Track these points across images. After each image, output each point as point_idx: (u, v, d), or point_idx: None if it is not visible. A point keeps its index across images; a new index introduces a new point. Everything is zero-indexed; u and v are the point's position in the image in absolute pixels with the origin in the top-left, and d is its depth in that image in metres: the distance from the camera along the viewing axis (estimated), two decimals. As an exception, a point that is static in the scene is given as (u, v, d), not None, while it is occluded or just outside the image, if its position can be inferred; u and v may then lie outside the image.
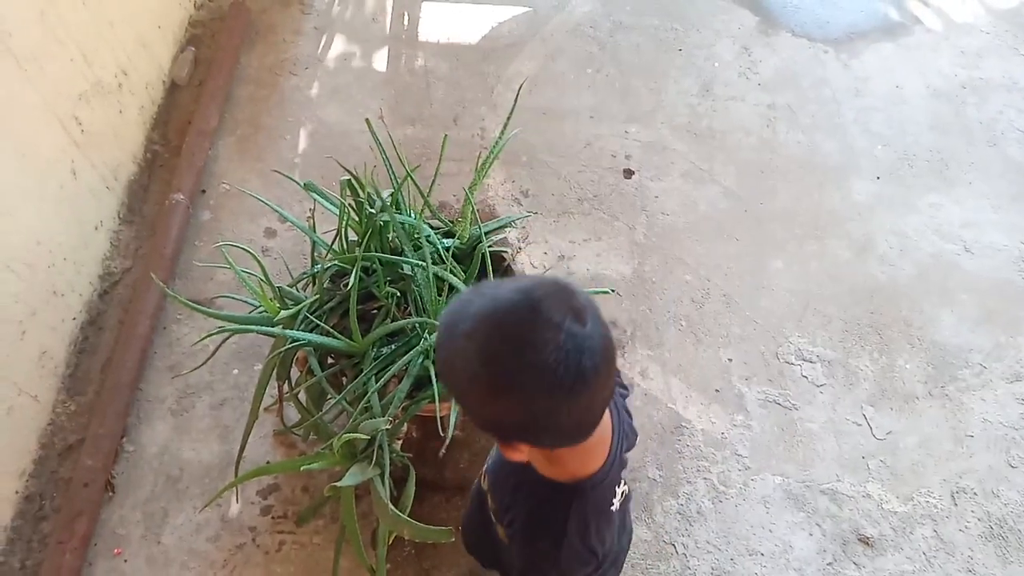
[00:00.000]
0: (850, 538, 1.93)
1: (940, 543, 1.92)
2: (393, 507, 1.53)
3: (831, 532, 1.93)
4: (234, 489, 1.90)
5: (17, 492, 1.88)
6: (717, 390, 2.13)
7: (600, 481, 1.02)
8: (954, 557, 1.91)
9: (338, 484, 1.51)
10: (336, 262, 1.74)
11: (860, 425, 2.09)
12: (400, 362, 1.59)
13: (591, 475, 1.02)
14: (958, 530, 1.94)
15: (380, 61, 2.77)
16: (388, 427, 1.53)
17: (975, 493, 1.99)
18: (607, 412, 1.00)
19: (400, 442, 1.72)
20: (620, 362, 2.16)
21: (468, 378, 0.84)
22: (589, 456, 1.02)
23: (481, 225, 1.79)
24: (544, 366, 0.79)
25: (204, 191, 2.43)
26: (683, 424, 2.07)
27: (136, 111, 2.41)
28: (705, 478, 2.00)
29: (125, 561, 1.86)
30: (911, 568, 1.89)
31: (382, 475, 1.59)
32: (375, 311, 1.75)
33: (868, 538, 1.92)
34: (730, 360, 2.18)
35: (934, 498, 1.98)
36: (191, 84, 2.65)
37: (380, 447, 1.57)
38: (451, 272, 1.68)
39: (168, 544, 1.88)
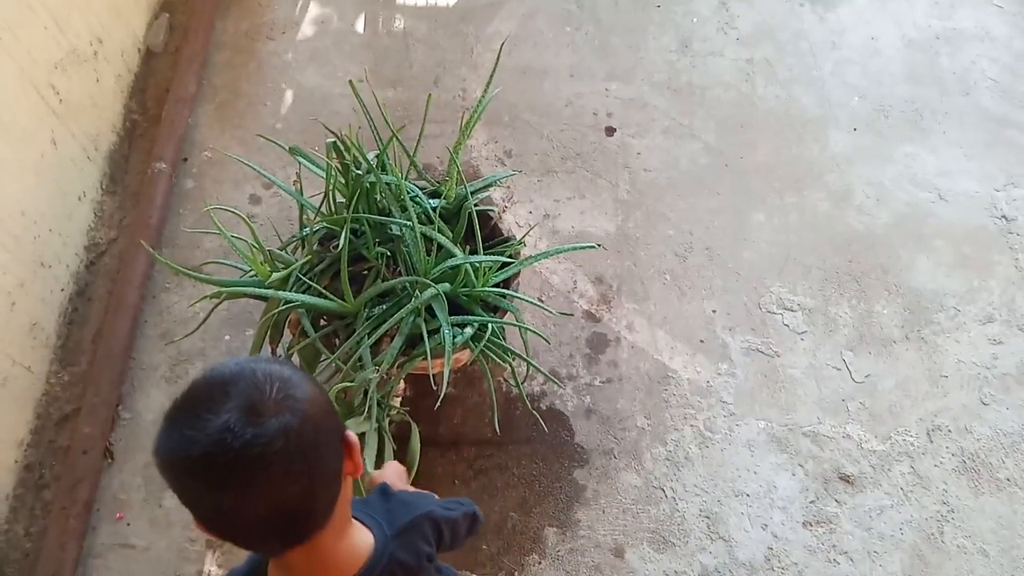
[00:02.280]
0: (831, 477, 2.01)
1: (916, 478, 2.01)
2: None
3: (813, 472, 2.01)
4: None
5: (16, 461, 1.90)
6: (702, 341, 2.19)
7: None
8: (929, 491, 1.99)
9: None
10: (325, 224, 1.75)
11: (840, 369, 2.16)
12: (392, 320, 1.62)
13: None
14: (933, 465, 2.03)
15: (358, 24, 2.74)
16: (374, 376, 1.57)
17: (949, 430, 2.07)
18: (344, 547, 0.90)
19: (398, 400, 1.76)
20: (607, 317, 2.21)
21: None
22: None
23: (467, 185, 1.80)
24: (185, 441, 0.76)
25: (186, 159, 2.42)
26: (669, 374, 2.13)
27: (113, 79, 2.38)
28: (692, 425, 2.06)
29: (128, 525, 1.90)
30: (889, 503, 1.97)
31: (380, 431, 1.63)
32: (365, 272, 1.78)
33: (848, 476, 2.00)
34: (714, 311, 2.23)
35: (911, 436, 2.06)
36: (167, 51, 2.62)
37: (377, 403, 1.60)
38: (438, 231, 1.71)
39: (169, 507, 1.91)
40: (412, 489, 1.22)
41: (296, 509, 0.80)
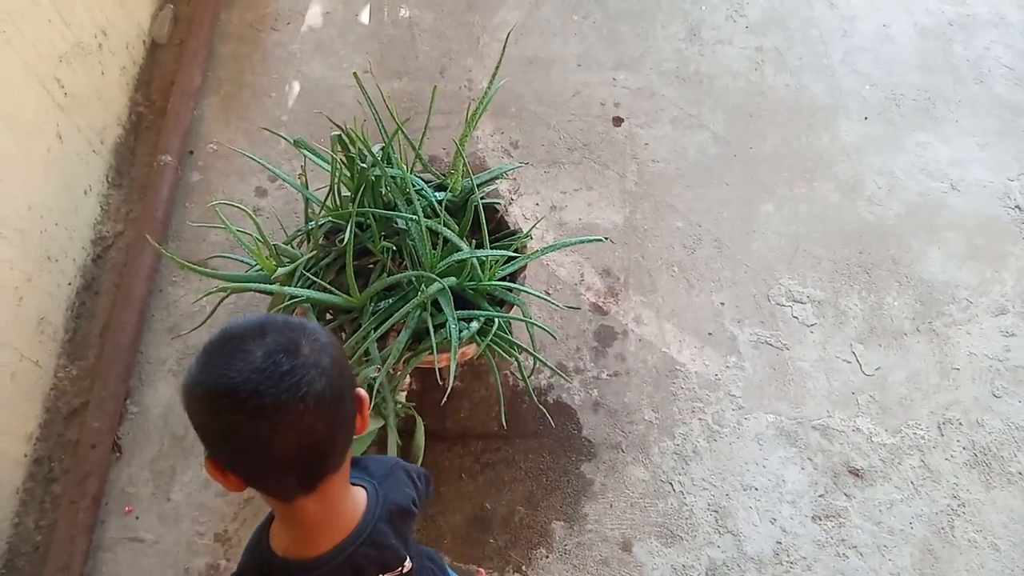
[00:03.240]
0: (841, 470, 1.99)
1: (927, 472, 1.99)
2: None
3: (822, 465, 2.00)
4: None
5: (26, 455, 1.91)
6: (710, 333, 2.17)
7: (310, 570, 0.92)
8: (940, 485, 1.98)
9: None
10: (330, 218, 1.74)
11: (850, 362, 2.14)
12: (398, 315, 1.61)
13: (301, 558, 0.92)
14: (944, 459, 2.01)
15: (363, 14, 2.72)
16: (377, 374, 1.56)
17: (961, 423, 2.05)
18: (347, 497, 0.95)
19: (404, 394, 1.75)
20: (614, 310, 2.19)
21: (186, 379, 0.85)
22: (311, 533, 0.92)
23: (473, 177, 1.79)
24: (227, 370, 0.80)
25: (191, 152, 2.41)
26: (677, 367, 2.12)
27: (118, 72, 2.37)
28: (700, 418, 2.05)
29: (137, 518, 1.91)
30: (899, 496, 1.96)
31: (386, 427, 1.62)
32: (371, 266, 1.77)
33: (858, 470, 1.99)
34: (722, 304, 2.22)
35: (921, 430, 2.04)
36: (172, 43, 2.61)
37: (385, 399, 1.60)
38: (444, 225, 1.69)
39: (178, 500, 1.92)
40: None
41: (319, 445, 0.85)
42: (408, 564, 1.01)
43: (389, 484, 1.05)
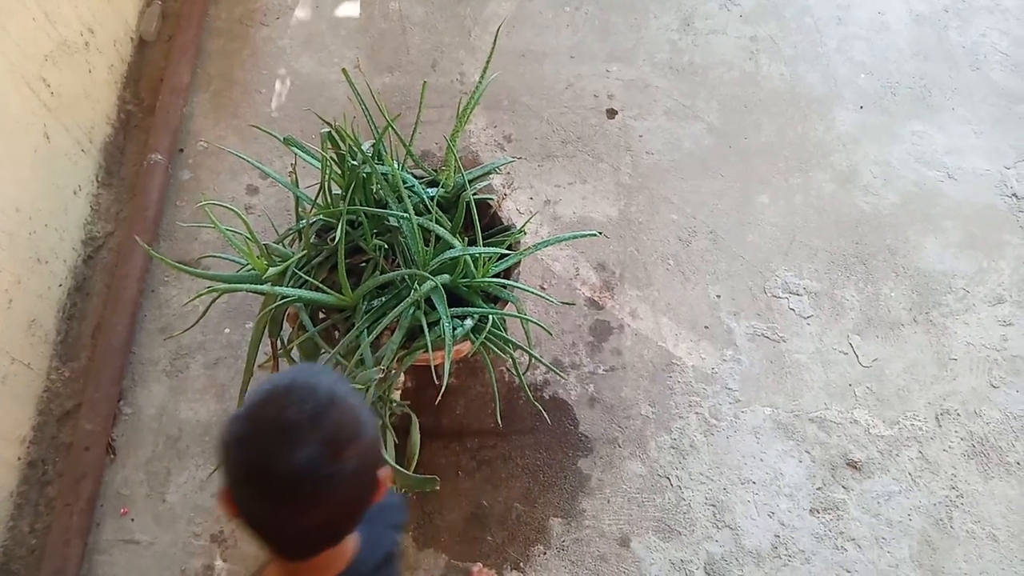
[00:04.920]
0: (838, 463, 1.99)
1: (925, 463, 1.99)
2: (390, 459, 1.56)
3: (820, 458, 1.99)
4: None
5: (20, 458, 1.90)
6: (706, 326, 2.16)
7: None
8: (938, 476, 1.97)
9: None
10: (321, 216, 1.72)
11: (847, 354, 2.13)
12: (392, 314, 1.60)
13: None
14: (942, 450, 2.00)
15: (353, 7, 2.69)
16: (381, 376, 1.55)
17: (958, 414, 2.05)
18: (337, 554, 0.96)
19: (399, 392, 1.74)
20: (610, 304, 2.18)
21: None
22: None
23: (465, 172, 1.77)
24: (269, 458, 0.82)
25: (182, 150, 2.39)
26: (674, 361, 2.11)
27: (106, 70, 2.35)
28: (697, 412, 2.04)
29: (132, 520, 1.90)
30: (897, 488, 1.95)
31: (383, 426, 1.61)
32: (364, 264, 1.75)
33: (856, 462, 1.98)
34: (718, 296, 2.20)
35: (919, 421, 2.04)
36: (160, 40, 2.58)
37: (380, 398, 1.58)
38: (437, 222, 1.68)
39: (173, 502, 1.91)
40: None
41: (333, 530, 0.91)
42: None
43: (376, 528, 1.06)
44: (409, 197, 1.68)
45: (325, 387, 0.86)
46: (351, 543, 1.00)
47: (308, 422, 0.83)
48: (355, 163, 1.67)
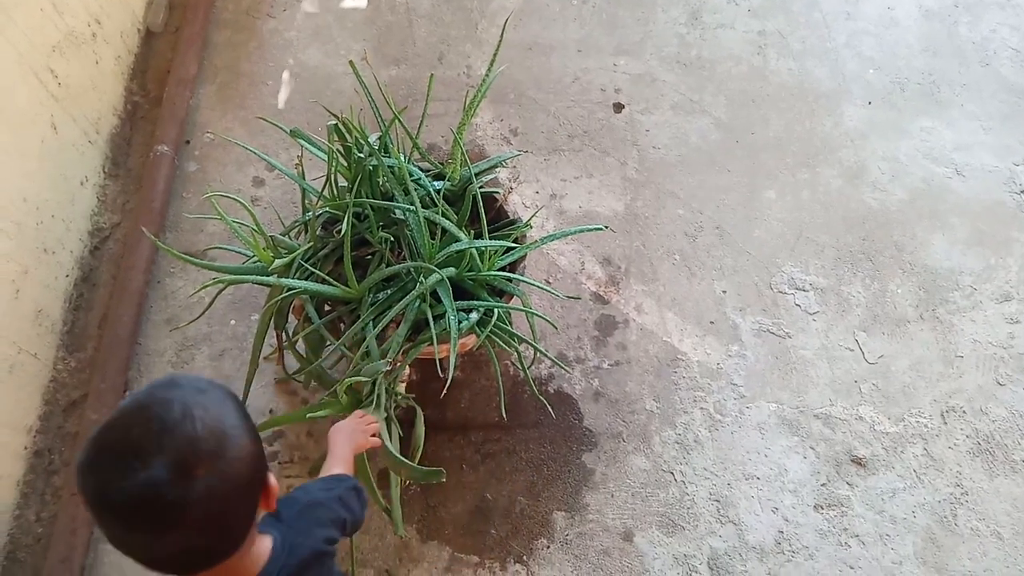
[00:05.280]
0: (843, 459, 1.98)
1: (930, 460, 1.98)
2: (393, 450, 1.56)
3: (825, 454, 1.99)
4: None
5: (26, 448, 1.91)
6: (712, 322, 2.16)
7: None
8: (943, 473, 1.97)
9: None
10: (327, 209, 1.73)
11: (852, 350, 2.12)
12: (397, 307, 1.60)
13: None
14: (947, 447, 2.00)
15: (360, -1, 2.69)
16: (388, 369, 1.55)
17: (964, 411, 2.04)
18: (244, 560, 0.91)
19: (404, 385, 1.74)
20: (615, 298, 2.17)
21: None
22: None
23: (471, 166, 1.77)
24: (107, 485, 0.77)
25: (188, 141, 2.39)
26: (679, 356, 2.11)
27: (113, 61, 2.35)
28: (701, 408, 2.04)
29: (138, 510, 1.91)
30: (902, 485, 1.95)
31: (387, 419, 1.61)
32: (369, 256, 1.75)
33: (860, 458, 1.98)
34: (724, 292, 2.20)
35: (924, 418, 2.03)
36: (167, 31, 2.58)
37: (385, 390, 1.59)
38: (443, 215, 1.68)
39: (178, 492, 1.92)
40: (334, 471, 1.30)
41: (203, 551, 0.84)
42: None
43: (299, 527, 1.03)
44: (415, 190, 1.67)
45: (180, 401, 0.80)
46: (262, 548, 0.95)
47: (154, 442, 0.77)
48: (361, 156, 1.67)
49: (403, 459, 1.56)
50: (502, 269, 1.73)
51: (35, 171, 1.96)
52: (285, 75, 2.53)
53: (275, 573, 0.95)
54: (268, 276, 1.65)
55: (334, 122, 1.67)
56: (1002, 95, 2.52)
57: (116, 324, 2.05)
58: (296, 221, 1.80)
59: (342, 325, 1.72)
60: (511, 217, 1.86)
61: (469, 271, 1.68)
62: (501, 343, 1.71)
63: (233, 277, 1.69)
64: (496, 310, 1.67)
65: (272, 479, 0.91)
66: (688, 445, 2.00)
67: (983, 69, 2.57)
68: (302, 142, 1.79)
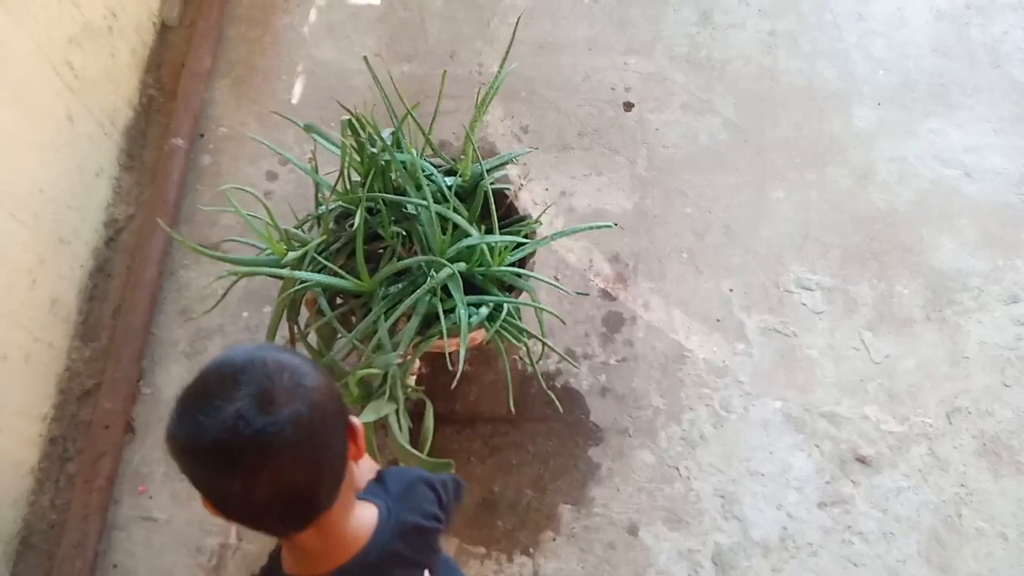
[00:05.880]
0: (848, 457, 2.00)
1: (935, 460, 1.99)
2: (404, 442, 1.58)
3: (829, 452, 2.00)
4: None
5: (41, 435, 1.94)
6: (718, 320, 2.17)
7: None
8: (948, 473, 1.98)
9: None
10: (340, 203, 1.75)
11: (859, 350, 2.13)
12: (408, 300, 1.62)
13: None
14: (952, 448, 2.01)
15: (373, -4, 2.71)
16: (399, 362, 1.57)
17: (970, 412, 2.05)
18: (349, 523, 0.93)
19: (414, 378, 1.76)
20: (623, 295, 2.19)
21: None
22: (314, 559, 0.93)
23: (482, 162, 1.79)
24: (197, 428, 0.79)
25: (202, 135, 2.42)
26: (685, 354, 2.12)
27: (128, 54, 2.37)
28: (707, 404, 2.06)
29: (150, 498, 1.94)
30: (906, 484, 1.96)
31: (397, 410, 1.64)
32: (381, 251, 1.77)
33: (865, 457, 1.99)
34: (731, 290, 2.21)
35: (930, 418, 2.04)
36: (182, 25, 2.60)
37: (395, 382, 1.61)
38: (454, 211, 1.69)
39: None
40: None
41: (302, 493, 0.84)
42: None
43: (406, 502, 1.03)
44: (428, 185, 1.69)
45: (243, 351, 0.84)
46: (367, 514, 0.97)
47: (230, 382, 0.80)
48: (375, 151, 1.69)
49: (412, 450, 1.58)
50: (512, 265, 1.75)
51: (51, 162, 1.99)
52: (299, 70, 2.55)
53: (383, 543, 0.95)
54: (281, 268, 1.67)
55: (348, 117, 1.69)
56: (1013, 97, 2.52)
57: (130, 314, 2.07)
58: (309, 215, 1.82)
59: (353, 318, 1.74)
60: (521, 214, 1.88)
61: (480, 266, 1.70)
62: (510, 338, 1.73)
63: (247, 269, 1.71)
64: (506, 305, 1.69)
65: (356, 421, 0.92)
66: (693, 441, 2.01)
67: (994, 71, 2.57)
68: (316, 137, 1.81)
